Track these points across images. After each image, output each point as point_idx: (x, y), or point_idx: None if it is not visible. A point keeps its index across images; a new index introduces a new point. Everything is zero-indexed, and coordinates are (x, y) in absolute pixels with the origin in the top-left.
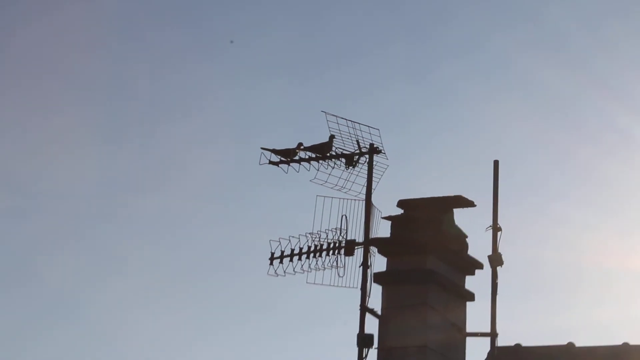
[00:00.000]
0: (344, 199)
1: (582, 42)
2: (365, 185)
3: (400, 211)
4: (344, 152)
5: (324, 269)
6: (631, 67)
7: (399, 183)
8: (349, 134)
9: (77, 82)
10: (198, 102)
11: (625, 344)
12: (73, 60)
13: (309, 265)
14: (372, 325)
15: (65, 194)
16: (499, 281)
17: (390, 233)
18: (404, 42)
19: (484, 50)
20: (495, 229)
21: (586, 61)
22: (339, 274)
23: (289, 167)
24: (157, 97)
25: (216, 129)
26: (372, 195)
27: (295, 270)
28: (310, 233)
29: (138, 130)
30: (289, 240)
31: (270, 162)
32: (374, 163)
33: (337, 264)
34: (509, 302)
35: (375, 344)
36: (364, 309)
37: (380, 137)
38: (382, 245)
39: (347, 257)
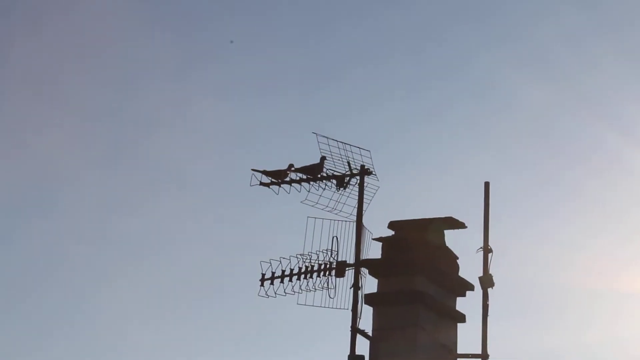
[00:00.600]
0: (334, 220)
1: (568, 61)
2: (356, 206)
3: (391, 232)
4: (335, 173)
5: (315, 290)
6: (618, 86)
7: (390, 204)
8: (340, 156)
9: (66, 96)
10: (188, 124)
11: None
12: (64, 73)
13: (300, 286)
14: (363, 347)
15: (68, 205)
16: (490, 302)
17: (381, 254)
18: (395, 63)
19: (473, 69)
20: (486, 250)
21: (572, 80)
22: (329, 295)
23: (280, 188)
24: (145, 111)
25: (207, 150)
26: (363, 217)
27: (286, 291)
28: (301, 254)
29: (127, 150)
30: (280, 262)
31: (261, 184)
32: (365, 184)
33: (327, 285)
34: (500, 323)
35: None
36: (355, 330)
37: (371, 158)
38: (373, 266)
39: (337, 279)
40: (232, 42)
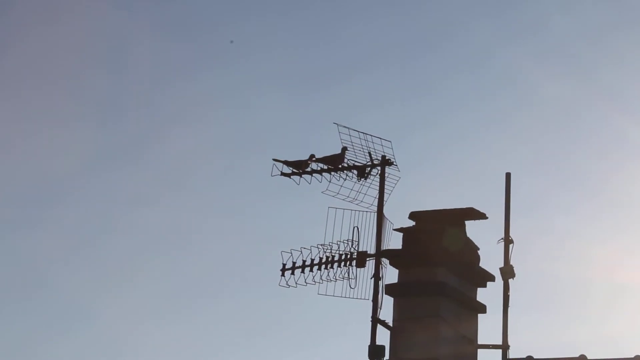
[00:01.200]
0: (355, 210)
1: (589, 55)
2: (377, 197)
3: (411, 223)
4: (356, 164)
5: (336, 280)
6: (637, 80)
7: (411, 195)
8: (360, 146)
9: (76, 93)
10: (210, 112)
11: (638, 357)
12: (71, 71)
13: (321, 276)
14: (383, 337)
15: (74, 204)
16: (511, 293)
17: (402, 245)
18: (416, 55)
19: (494, 63)
20: (507, 241)
21: (594, 74)
22: (350, 286)
23: (301, 178)
24: (167, 106)
25: (228, 140)
26: (384, 207)
27: (307, 281)
28: (321, 244)
29: (149, 141)
30: (301, 252)
31: (282, 174)
32: (386, 175)
33: (348, 275)
34: (521, 315)
35: (387, 356)
36: (376, 321)
37: (392, 149)
38: (394, 257)
39: (358, 269)
40: (232, 42)
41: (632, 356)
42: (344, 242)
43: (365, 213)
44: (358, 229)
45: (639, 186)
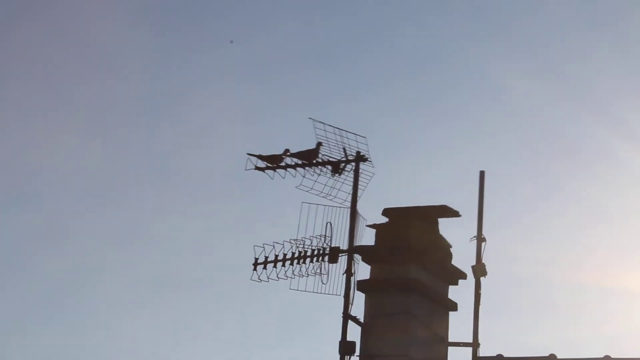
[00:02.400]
0: (329, 206)
1: (557, 53)
2: (351, 192)
3: (385, 219)
4: (331, 159)
5: (308, 275)
6: (607, 79)
7: (385, 191)
8: (335, 141)
9: (64, 82)
10: (183, 107)
11: (607, 357)
12: (62, 61)
13: (293, 271)
14: (354, 333)
15: (50, 194)
16: (482, 292)
17: (375, 241)
18: (392, 50)
19: (464, 59)
20: (480, 239)
21: (562, 72)
22: (322, 281)
23: (275, 173)
24: (142, 101)
25: (202, 133)
26: (358, 203)
27: (279, 276)
28: (294, 239)
29: (123, 133)
30: (273, 246)
31: (257, 168)
32: (360, 171)
33: (320, 270)
34: (492, 313)
35: (357, 352)
36: (347, 317)
37: (367, 145)
38: (366, 253)
39: (331, 264)
40: (231, 42)
41: (602, 356)
42: (316, 238)
43: (338, 209)
44: (331, 224)
45: (607, 185)
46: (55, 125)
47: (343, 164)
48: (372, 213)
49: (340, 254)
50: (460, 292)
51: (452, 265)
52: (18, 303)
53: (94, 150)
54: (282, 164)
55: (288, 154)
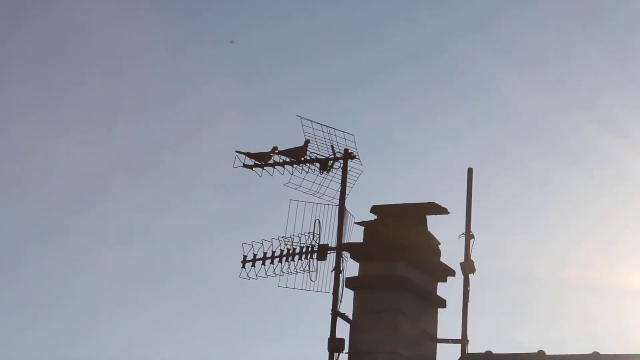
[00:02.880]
0: (317, 203)
1: (541, 48)
2: (339, 190)
3: (373, 217)
4: (319, 156)
5: (296, 273)
6: (592, 74)
7: (373, 189)
8: (323, 139)
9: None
10: (171, 104)
11: (596, 353)
12: (50, 56)
13: (281, 269)
14: (343, 330)
15: (39, 188)
16: (471, 288)
17: (363, 238)
18: (377, 47)
19: (448, 55)
20: (468, 236)
21: (546, 67)
22: (311, 278)
23: (263, 170)
24: (130, 99)
25: (190, 131)
26: (346, 201)
27: (268, 273)
28: (283, 237)
29: (111, 130)
30: (262, 244)
31: (245, 166)
32: (348, 168)
33: (309, 268)
34: (481, 310)
35: (346, 349)
36: (335, 314)
37: (354, 142)
38: (355, 250)
39: (319, 262)
40: (232, 42)
41: (590, 352)
42: (305, 235)
43: (327, 206)
44: (319, 221)
45: (596, 180)
46: (44, 122)
47: (331, 162)
48: (360, 210)
49: (328, 252)
50: (448, 289)
51: (441, 262)
52: (10, 300)
53: (82, 147)
54: (270, 161)
55: (276, 151)
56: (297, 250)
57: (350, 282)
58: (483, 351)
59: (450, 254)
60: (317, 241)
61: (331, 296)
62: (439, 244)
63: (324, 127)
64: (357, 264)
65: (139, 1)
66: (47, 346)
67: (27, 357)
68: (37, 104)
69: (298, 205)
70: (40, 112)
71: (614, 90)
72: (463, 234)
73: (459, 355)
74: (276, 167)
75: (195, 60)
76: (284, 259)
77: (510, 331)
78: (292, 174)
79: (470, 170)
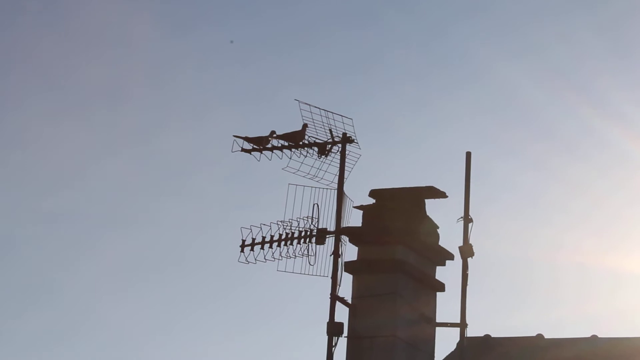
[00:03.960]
0: (316, 187)
1: (540, 34)
2: (338, 174)
3: (372, 201)
4: (317, 140)
5: (295, 257)
6: (590, 59)
7: (371, 173)
8: (322, 123)
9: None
10: (169, 88)
11: (594, 337)
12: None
13: (280, 253)
14: (342, 314)
15: (35, 173)
16: (469, 272)
17: (362, 222)
18: (376, 31)
19: (448, 41)
20: (467, 220)
21: (544, 53)
22: (309, 263)
23: (262, 154)
24: (128, 81)
25: (188, 115)
26: (344, 185)
27: (266, 257)
28: (281, 221)
29: (107, 114)
30: (260, 228)
31: (243, 150)
32: (347, 152)
33: (308, 252)
34: (479, 294)
35: (345, 333)
36: (334, 298)
37: (353, 126)
38: (353, 234)
39: (318, 246)
40: (231, 42)
41: (589, 335)
42: (303, 219)
43: (325, 190)
44: (318, 206)
45: (592, 164)
46: (43, 107)
47: (329, 146)
48: (358, 194)
49: (327, 236)
50: (447, 273)
51: (439, 246)
52: (5, 287)
53: (80, 131)
54: (269, 145)
55: (274, 135)
56: (296, 235)
57: (349, 266)
58: (482, 335)
59: (449, 238)
60: (316, 225)
61: (330, 280)
62: (438, 227)
63: (322, 111)
64: (356, 248)
65: None
66: (43, 331)
67: (24, 344)
68: (35, 89)
69: (297, 190)
70: (39, 97)
71: (610, 75)
72: (461, 217)
73: (458, 338)
74: (274, 151)
75: (192, 45)
76: (283, 243)
77: (509, 315)
78: (290, 158)
79: (468, 154)
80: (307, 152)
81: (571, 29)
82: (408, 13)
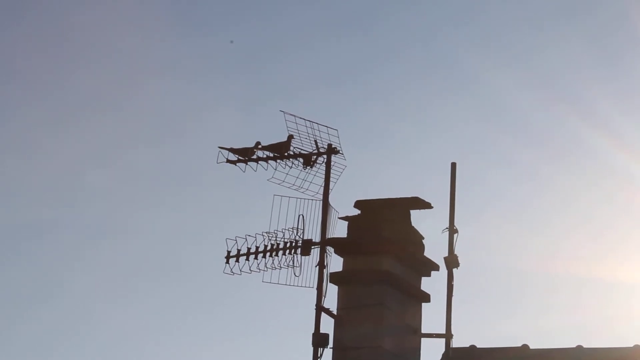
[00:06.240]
0: (301, 198)
1: (527, 42)
2: (323, 185)
3: (357, 212)
4: (302, 152)
5: (280, 268)
6: (577, 67)
7: (357, 184)
8: (307, 134)
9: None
10: (154, 99)
11: (579, 347)
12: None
13: (265, 264)
14: (327, 325)
15: (26, 184)
16: (455, 283)
17: (347, 233)
18: (360, 41)
19: (434, 49)
20: (452, 230)
21: (531, 61)
22: (295, 274)
23: (247, 166)
24: (113, 90)
25: (173, 126)
26: (330, 196)
27: (252, 269)
28: (267, 232)
29: (92, 123)
30: (246, 239)
31: (228, 161)
32: (332, 163)
33: (293, 263)
34: (465, 304)
35: (331, 344)
36: (320, 309)
37: (338, 137)
38: (339, 245)
39: (303, 257)
40: (231, 42)
41: (574, 346)
42: (289, 230)
43: (310, 201)
44: (303, 217)
45: (579, 174)
46: (37, 118)
47: (315, 157)
48: (344, 205)
49: (312, 247)
50: (432, 284)
51: (425, 256)
52: (2, 295)
53: (67, 142)
54: (254, 157)
55: (259, 147)
56: (281, 246)
57: (335, 277)
58: (467, 345)
59: (434, 249)
60: (301, 236)
61: (315, 291)
62: (423, 238)
63: (308, 122)
64: (341, 259)
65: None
66: (35, 341)
67: (20, 351)
68: (25, 102)
69: (282, 201)
70: (32, 109)
71: (599, 85)
72: (447, 228)
73: (444, 349)
74: (260, 162)
75: (177, 54)
76: (268, 254)
77: (495, 325)
78: (275, 169)
79: (453, 165)
80: (293, 163)
81: (560, 39)
82: (395, 22)
